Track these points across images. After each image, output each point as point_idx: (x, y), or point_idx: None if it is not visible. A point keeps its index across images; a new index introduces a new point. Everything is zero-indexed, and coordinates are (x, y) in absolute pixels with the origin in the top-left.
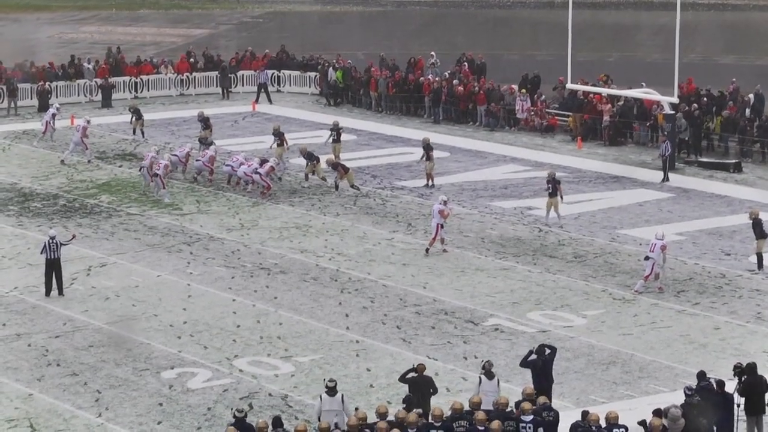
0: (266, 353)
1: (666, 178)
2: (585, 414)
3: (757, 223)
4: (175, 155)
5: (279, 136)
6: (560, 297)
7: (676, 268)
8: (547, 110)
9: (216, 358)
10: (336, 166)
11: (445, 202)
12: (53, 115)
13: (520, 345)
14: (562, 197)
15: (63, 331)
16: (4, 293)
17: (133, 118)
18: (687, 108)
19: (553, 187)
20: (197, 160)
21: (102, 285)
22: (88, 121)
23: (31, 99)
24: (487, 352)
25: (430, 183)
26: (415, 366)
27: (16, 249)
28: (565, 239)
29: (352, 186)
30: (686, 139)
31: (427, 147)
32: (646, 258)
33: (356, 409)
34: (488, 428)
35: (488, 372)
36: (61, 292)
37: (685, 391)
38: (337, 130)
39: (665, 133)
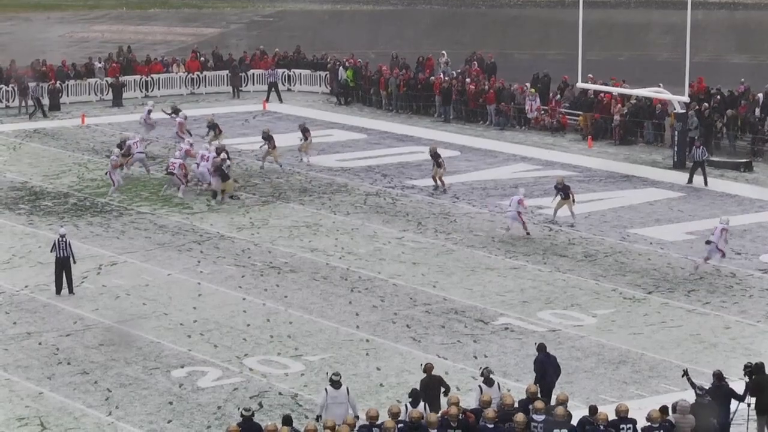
0: (276, 352)
1: (704, 182)
2: (593, 409)
3: None
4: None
5: (268, 139)
6: (570, 296)
7: (686, 267)
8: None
9: (226, 357)
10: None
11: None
12: (149, 112)
13: (530, 344)
14: (574, 200)
15: (73, 330)
16: (15, 291)
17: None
18: (697, 107)
19: (565, 193)
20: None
21: (112, 283)
22: (184, 117)
23: (42, 98)
24: (497, 351)
25: (441, 187)
26: (423, 365)
27: (26, 247)
28: (576, 238)
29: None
30: (696, 138)
31: (435, 156)
32: (707, 242)
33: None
34: (515, 421)
35: (487, 379)
36: (71, 291)
37: (696, 391)
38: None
39: (698, 138)
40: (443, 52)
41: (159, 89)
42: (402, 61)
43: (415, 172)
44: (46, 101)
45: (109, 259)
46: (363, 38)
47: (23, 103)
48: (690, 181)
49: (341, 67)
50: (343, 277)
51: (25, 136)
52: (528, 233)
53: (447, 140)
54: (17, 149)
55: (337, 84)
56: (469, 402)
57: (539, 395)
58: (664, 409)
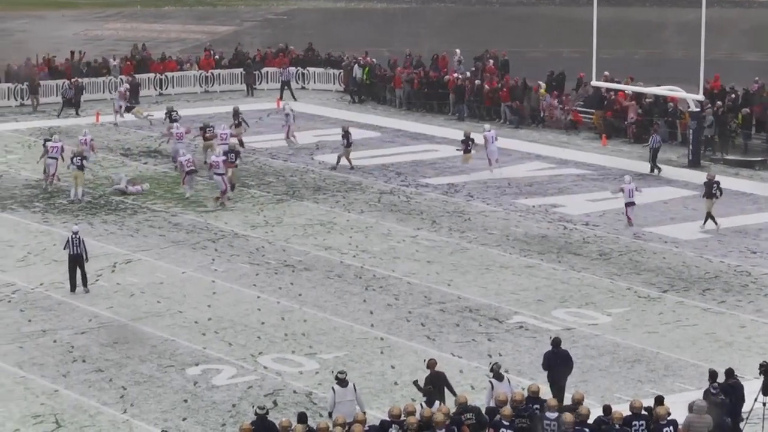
0: (291, 350)
1: (656, 169)
2: (608, 409)
3: None
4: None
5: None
6: (585, 295)
7: (702, 266)
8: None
9: (241, 355)
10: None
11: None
12: (286, 115)
13: (545, 343)
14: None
15: (88, 328)
16: (30, 289)
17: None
18: (711, 106)
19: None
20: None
21: (127, 281)
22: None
23: (56, 96)
24: (511, 349)
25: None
26: (427, 360)
27: (41, 245)
28: (590, 237)
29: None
30: (711, 136)
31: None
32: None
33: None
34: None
35: (497, 374)
36: (85, 286)
37: (710, 390)
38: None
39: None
40: (456, 50)
41: (173, 87)
42: (417, 59)
43: (429, 171)
44: (59, 99)
45: (123, 257)
46: (376, 36)
47: (34, 102)
48: (652, 170)
49: (356, 66)
50: (358, 276)
51: (39, 135)
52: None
53: (461, 138)
54: (32, 147)
55: (352, 82)
56: (482, 399)
57: (548, 394)
58: (659, 399)
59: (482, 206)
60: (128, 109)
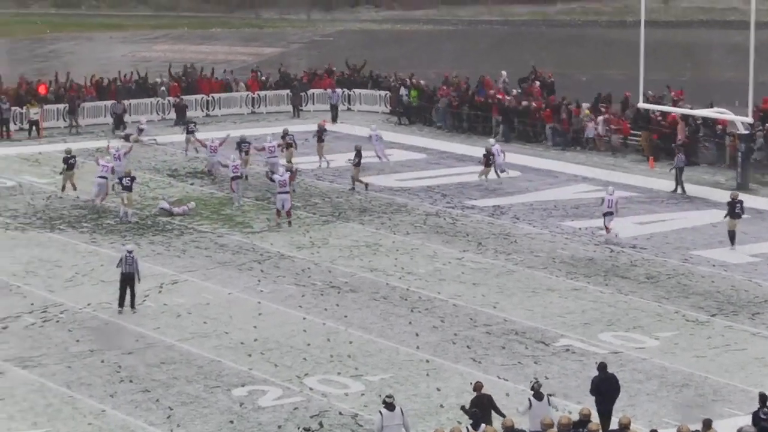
0: (336, 372)
1: (681, 189)
2: None
3: None
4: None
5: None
6: (632, 318)
7: (751, 290)
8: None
9: (286, 376)
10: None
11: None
12: (370, 138)
13: (591, 366)
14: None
15: (135, 348)
16: (78, 309)
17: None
18: (761, 128)
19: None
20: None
21: (174, 302)
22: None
23: (104, 116)
24: (558, 373)
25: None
26: (473, 383)
27: (89, 265)
28: (638, 260)
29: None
30: (760, 159)
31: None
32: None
33: None
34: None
35: (537, 393)
36: (133, 307)
37: (759, 415)
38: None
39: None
40: (502, 71)
41: (219, 108)
42: (456, 80)
43: (475, 192)
44: (107, 119)
45: (170, 278)
46: (423, 58)
47: (73, 122)
48: (675, 189)
49: (403, 87)
50: (403, 297)
51: (87, 155)
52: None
53: (507, 160)
54: (79, 168)
55: (398, 103)
56: (520, 417)
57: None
58: (707, 422)
59: (528, 228)
60: (126, 138)
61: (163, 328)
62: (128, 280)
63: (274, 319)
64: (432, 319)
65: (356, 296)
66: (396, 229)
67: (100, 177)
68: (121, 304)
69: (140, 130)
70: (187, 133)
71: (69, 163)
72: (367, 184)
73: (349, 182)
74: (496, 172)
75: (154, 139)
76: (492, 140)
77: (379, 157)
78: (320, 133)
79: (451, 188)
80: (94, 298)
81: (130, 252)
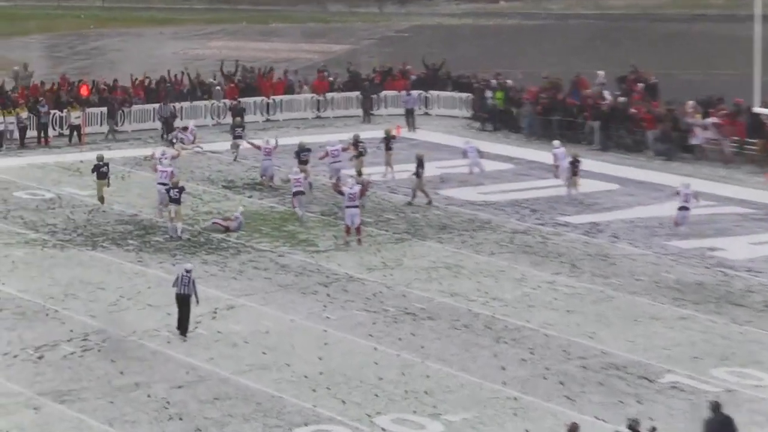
0: (412, 410)
1: None
2: None
3: None
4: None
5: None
6: (749, 352)
7: None
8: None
9: (355, 415)
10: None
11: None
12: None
13: (703, 406)
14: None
15: (186, 381)
16: (122, 337)
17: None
18: None
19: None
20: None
21: (229, 329)
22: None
23: (153, 121)
24: (663, 413)
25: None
26: (568, 424)
27: (135, 288)
28: (754, 285)
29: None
30: None
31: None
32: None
33: None
34: None
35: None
36: (184, 334)
37: None
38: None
39: None
40: (599, 72)
41: (281, 112)
42: (552, 80)
43: (569, 208)
44: (156, 125)
45: (225, 303)
46: (508, 56)
47: (112, 128)
48: None
49: (487, 88)
50: (488, 326)
51: (134, 164)
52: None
53: (604, 171)
54: (126, 178)
55: (482, 107)
56: None
57: None
58: None
59: (629, 249)
60: (172, 143)
61: (217, 359)
62: (183, 303)
63: (341, 349)
64: (520, 351)
65: (434, 324)
66: (479, 248)
67: (161, 183)
68: (180, 325)
69: (178, 139)
70: (234, 138)
71: (100, 171)
72: (430, 200)
73: (410, 195)
74: (561, 177)
75: (200, 147)
76: (557, 142)
77: (471, 171)
78: (388, 141)
79: (541, 202)
80: (141, 325)
81: (188, 271)
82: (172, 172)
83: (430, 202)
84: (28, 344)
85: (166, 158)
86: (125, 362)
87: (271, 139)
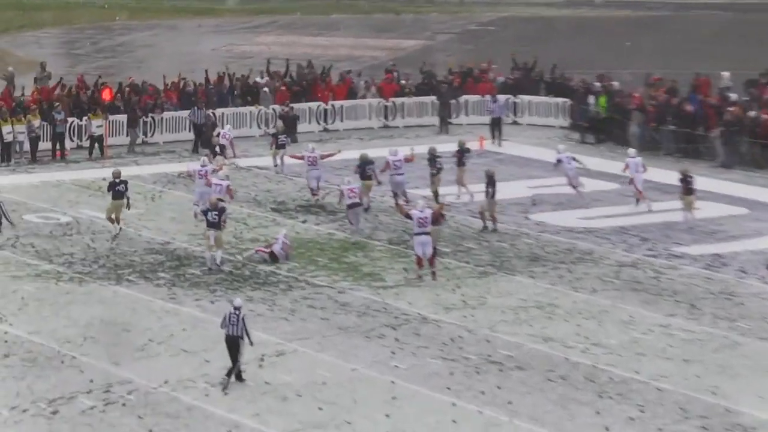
0: None
1: None
2: None
3: None
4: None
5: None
6: None
7: None
8: None
9: None
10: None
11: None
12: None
13: None
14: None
15: None
16: (152, 389)
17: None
18: None
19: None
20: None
21: (278, 380)
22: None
23: (189, 131)
24: None
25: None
26: None
27: (167, 329)
28: None
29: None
30: None
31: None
32: None
33: None
34: None
35: None
36: (226, 387)
37: None
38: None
39: None
40: (724, 73)
41: (342, 121)
42: (657, 82)
43: (686, 236)
44: (189, 135)
45: (274, 348)
46: (614, 54)
47: (133, 140)
48: None
49: (589, 92)
50: (589, 378)
51: (166, 182)
52: None
53: (729, 193)
54: (156, 199)
55: (582, 115)
56: None
57: None
58: None
59: (759, 286)
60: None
61: (264, 415)
62: (232, 345)
63: (412, 404)
64: (628, 408)
65: (524, 375)
66: (578, 284)
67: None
68: (229, 374)
69: (221, 149)
70: (276, 147)
71: (116, 190)
72: (495, 228)
73: (481, 219)
74: (573, 186)
75: (234, 163)
76: (632, 150)
77: (573, 186)
78: (461, 154)
79: (653, 230)
80: (173, 374)
81: (237, 308)
82: (228, 186)
83: (495, 229)
84: (40, 397)
85: (208, 169)
86: (155, 419)
87: (310, 144)
